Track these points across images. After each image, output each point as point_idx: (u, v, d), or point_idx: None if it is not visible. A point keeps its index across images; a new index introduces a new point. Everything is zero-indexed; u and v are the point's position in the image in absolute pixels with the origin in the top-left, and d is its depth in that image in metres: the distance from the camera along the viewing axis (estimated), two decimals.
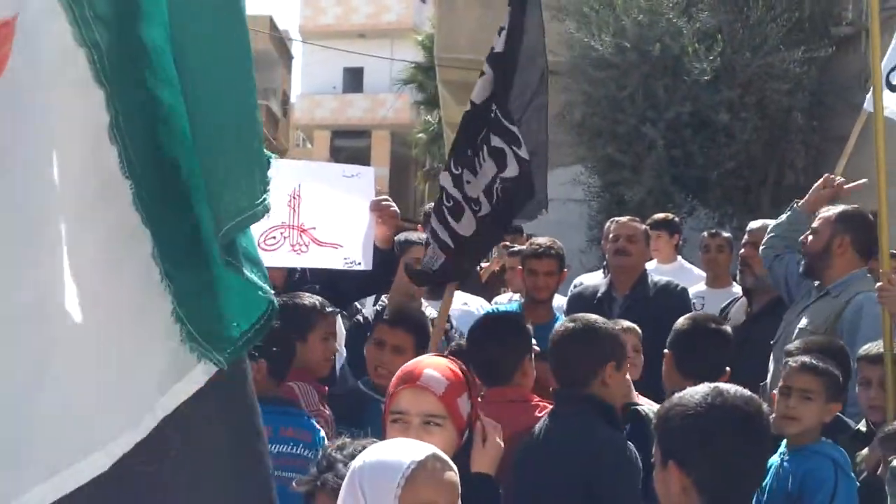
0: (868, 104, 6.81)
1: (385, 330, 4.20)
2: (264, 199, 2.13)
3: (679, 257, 7.41)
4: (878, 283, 4.21)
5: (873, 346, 4.03)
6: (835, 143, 7.45)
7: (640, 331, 4.60)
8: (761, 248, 5.17)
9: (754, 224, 5.67)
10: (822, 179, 5.12)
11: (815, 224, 4.77)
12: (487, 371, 3.89)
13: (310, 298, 4.09)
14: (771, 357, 4.77)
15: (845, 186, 5.04)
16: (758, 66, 13.47)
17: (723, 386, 2.48)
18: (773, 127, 13.56)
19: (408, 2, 42.69)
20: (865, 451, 3.70)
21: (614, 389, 3.63)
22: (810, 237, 4.73)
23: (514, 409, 3.75)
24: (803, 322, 4.61)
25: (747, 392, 2.47)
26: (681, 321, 4.26)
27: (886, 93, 6.76)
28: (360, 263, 4.25)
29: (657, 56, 13.72)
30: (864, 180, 5.03)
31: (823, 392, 3.59)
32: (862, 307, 4.47)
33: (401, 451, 2.30)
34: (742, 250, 5.59)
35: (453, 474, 2.32)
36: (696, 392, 2.44)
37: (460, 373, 2.89)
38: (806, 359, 3.66)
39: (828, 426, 3.72)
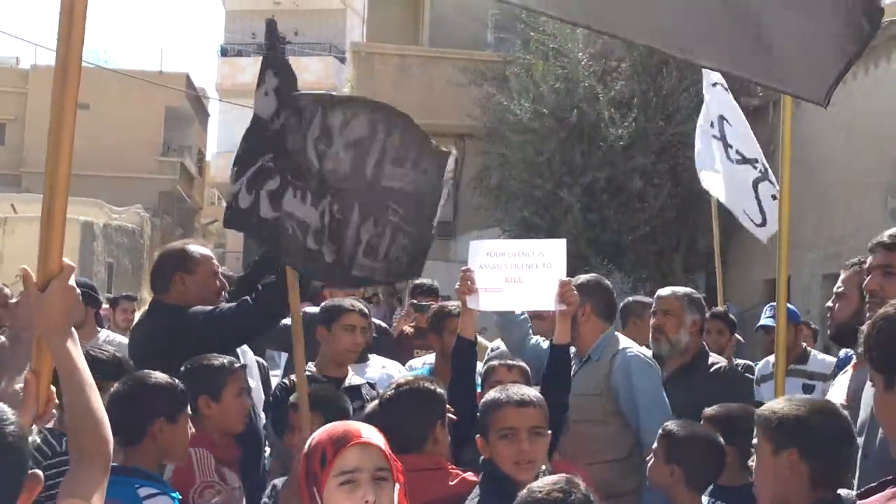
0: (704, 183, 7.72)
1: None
2: None
3: None
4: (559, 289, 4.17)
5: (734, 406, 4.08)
6: None
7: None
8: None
9: (663, 291, 5.46)
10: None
11: None
12: (398, 439, 3.83)
13: (217, 359, 4.14)
14: None
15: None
16: (671, 135, 13.71)
17: None
18: (685, 194, 13.80)
19: (327, 62, 42.84)
20: None
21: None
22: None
23: (427, 477, 3.65)
24: (575, 390, 4.55)
25: None
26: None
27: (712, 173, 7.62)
28: None
29: (574, 122, 13.92)
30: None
31: None
32: (629, 365, 4.60)
33: None
34: (653, 319, 5.42)
35: None
36: None
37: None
38: None
39: None
